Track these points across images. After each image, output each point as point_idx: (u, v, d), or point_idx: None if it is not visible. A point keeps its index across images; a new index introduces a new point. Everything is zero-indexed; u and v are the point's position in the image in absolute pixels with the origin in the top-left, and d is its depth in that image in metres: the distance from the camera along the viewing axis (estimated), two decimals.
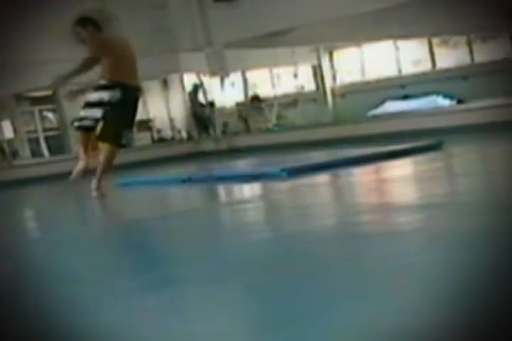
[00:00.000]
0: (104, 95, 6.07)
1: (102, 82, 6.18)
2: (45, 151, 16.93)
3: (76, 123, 6.32)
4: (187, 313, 2.10)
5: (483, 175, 5.00)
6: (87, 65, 6.23)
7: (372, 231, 3.09)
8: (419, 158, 6.19)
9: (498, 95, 10.54)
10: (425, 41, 15.30)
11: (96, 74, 6.36)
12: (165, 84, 17.09)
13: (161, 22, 11.67)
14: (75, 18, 6.79)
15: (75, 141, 15.96)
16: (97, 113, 6.07)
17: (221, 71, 11.93)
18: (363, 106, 14.67)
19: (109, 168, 6.29)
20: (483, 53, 14.57)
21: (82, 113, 6.23)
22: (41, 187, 9.76)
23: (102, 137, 6.13)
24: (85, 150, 6.39)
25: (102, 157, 6.23)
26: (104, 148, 6.19)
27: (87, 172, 6.35)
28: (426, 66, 15.58)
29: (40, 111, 17.43)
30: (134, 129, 6.67)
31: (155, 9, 11.75)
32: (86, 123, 6.17)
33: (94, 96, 6.16)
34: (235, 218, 4.25)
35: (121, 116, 6.11)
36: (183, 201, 6.00)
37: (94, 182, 6.27)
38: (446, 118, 9.47)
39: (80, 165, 6.41)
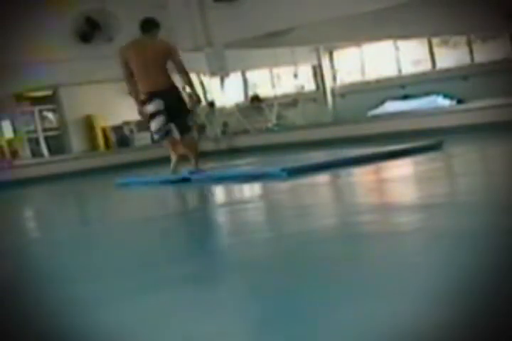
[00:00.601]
0: (156, 105, 6.55)
1: (142, 96, 6.65)
2: (45, 151, 16.92)
3: (156, 137, 6.85)
4: (186, 313, 2.10)
5: (483, 175, 5.00)
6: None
7: (372, 231, 3.09)
8: (419, 158, 6.18)
9: (498, 95, 10.53)
10: (425, 41, 15.28)
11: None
12: None
13: (162, 22, 11.65)
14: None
15: (76, 140, 16.00)
16: (162, 119, 6.59)
17: (221, 71, 11.93)
18: (363, 106, 14.65)
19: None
20: (483, 53, 14.55)
21: (153, 126, 6.69)
22: (41, 187, 9.76)
23: (185, 131, 6.81)
24: (174, 148, 6.99)
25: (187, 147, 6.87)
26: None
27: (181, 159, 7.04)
28: (426, 66, 15.56)
29: (40, 111, 17.42)
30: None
31: (155, 9, 11.74)
32: (162, 131, 6.70)
33: (150, 108, 6.60)
34: (235, 218, 4.25)
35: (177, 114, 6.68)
36: (183, 201, 6.00)
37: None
38: (446, 118, 9.46)
39: (174, 159, 7.09)
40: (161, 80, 6.53)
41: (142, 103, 6.61)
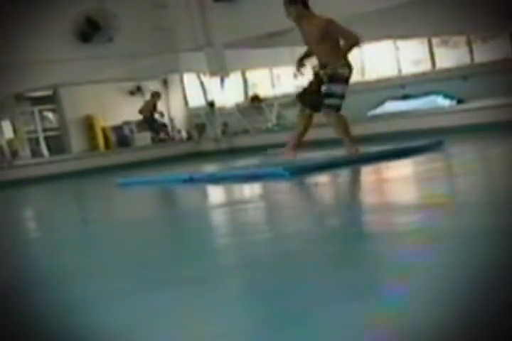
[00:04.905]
0: None
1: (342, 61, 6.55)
2: (45, 151, 16.93)
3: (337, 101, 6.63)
4: (186, 313, 2.10)
5: (483, 175, 5.00)
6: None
7: (372, 231, 3.09)
8: (419, 158, 6.19)
9: (498, 95, 10.53)
10: (425, 41, 15.28)
11: None
12: (165, 84, 17.09)
13: (161, 22, 11.68)
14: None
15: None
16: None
17: (221, 71, 11.94)
18: (363, 106, 14.63)
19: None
20: (483, 53, 14.55)
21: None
22: (41, 187, 9.76)
23: None
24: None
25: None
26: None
27: None
28: (426, 66, 15.55)
29: (40, 111, 17.43)
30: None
31: (155, 9, 11.76)
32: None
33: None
34: (237, 218, 4.25)
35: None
36: (184, 201, 6.00)
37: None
38: (446, 118, 9.46)
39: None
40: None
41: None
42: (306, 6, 6.68)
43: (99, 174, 10.47)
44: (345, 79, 6.49)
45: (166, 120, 16.27)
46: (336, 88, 6.46)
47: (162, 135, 15.44)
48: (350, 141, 6.50)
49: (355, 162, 6.17)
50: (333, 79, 6.47)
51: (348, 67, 6.49)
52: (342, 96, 6.50)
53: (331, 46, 6.52)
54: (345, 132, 6.55)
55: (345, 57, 6.46)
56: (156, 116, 15.52)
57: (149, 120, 15.26)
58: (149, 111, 15.15)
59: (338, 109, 6.55)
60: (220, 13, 11.26)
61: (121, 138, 16.25)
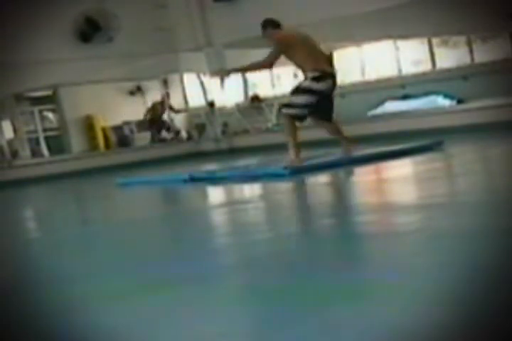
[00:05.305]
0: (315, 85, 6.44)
1: (314, 73, 6.51)
2: (45, 151, 16.93)
3: (300, 112, 6.42)
4: (186, 313, 2.10)
5: (483, 175, 5.00)
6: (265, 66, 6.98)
7: (372, 231, 3.09)
8: (419, 158, 6.19)
9: (498, 95, 10.53)
10: (425, 41, 15.28)
11: None
12: (165, 84, 17.08)
13: (161, 22, 11.68)
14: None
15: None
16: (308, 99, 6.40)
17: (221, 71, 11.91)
18: (363, 106, 14.64)
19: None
20: (483, 53, 14.55)
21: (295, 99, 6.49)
22: (41, 187, 9.76)
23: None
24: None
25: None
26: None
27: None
28: (426, 66, 15.55)
29: (40, 111, 17.44)
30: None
31: (155, 9, 11.76)
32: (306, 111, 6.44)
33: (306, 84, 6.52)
34: (237, 218, 4.25)
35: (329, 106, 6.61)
36: (184, 201, 6.00)
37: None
38: (446, 118, 9.45)
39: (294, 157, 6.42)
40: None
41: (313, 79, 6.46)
42: (276, 26, 6.90)
43: (99, 174, 10.47)
44: (309, 91, 6.39)
45: (165, 120, 16.29)
46: (296, 99, 6.44)
47: (172, 135, 15.48)
48: (293, 149, 6.39)
49: (355, 162, 6.17)
50: (294, 91, 6.58)
51: (316, 80, 6.44)
52: (303, 106, 6.37)
53: (299, 60, 6.77)
54: (292, 138, 6.46)
55: (318, 70, 6.51)
56: (165, 116, 15.58)
57: (160, 121, 15.35)
58: (159, 111, 15.23)
59: (296, 118, 6.43)
60: (220, 13, 11.26)
61: (121, 138, 16.26)
